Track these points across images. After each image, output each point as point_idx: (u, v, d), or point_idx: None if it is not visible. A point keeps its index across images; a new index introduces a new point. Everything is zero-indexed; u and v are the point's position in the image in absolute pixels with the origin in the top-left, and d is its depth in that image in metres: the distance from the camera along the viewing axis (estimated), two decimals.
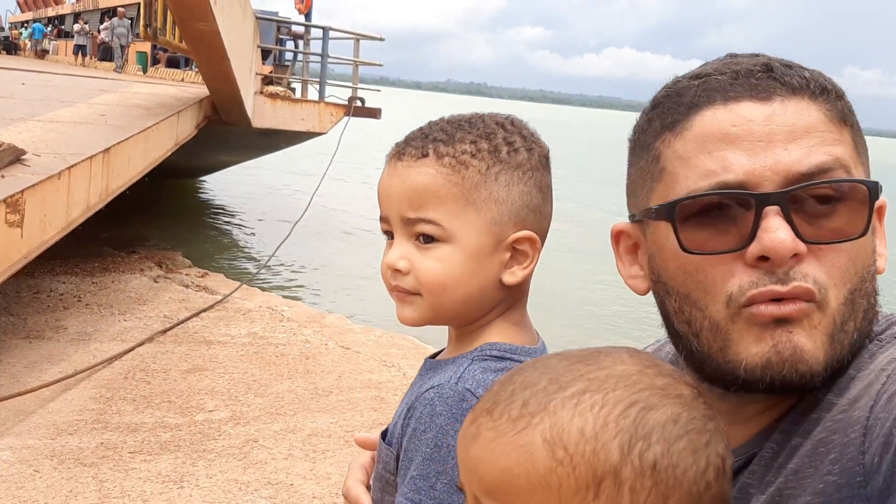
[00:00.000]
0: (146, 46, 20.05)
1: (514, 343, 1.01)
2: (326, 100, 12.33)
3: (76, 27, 29.01)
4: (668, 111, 0.81)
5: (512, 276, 0.99)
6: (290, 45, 15.09)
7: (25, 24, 38.24)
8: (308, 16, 16.45)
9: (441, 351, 1.10)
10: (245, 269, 9.20)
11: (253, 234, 11.77)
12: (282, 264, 9.36)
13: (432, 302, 1.00)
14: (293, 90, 12.92)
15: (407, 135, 1.05)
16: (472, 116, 1.05)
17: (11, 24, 42.38)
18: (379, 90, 14.53)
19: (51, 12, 37.43)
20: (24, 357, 4.68)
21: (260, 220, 12.74)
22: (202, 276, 7.73)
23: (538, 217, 1.02)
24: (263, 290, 7.76)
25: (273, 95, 11.52)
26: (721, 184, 0.74)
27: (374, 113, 12.70)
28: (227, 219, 12.82)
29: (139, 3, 20.89)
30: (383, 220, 1.03)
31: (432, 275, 0.98)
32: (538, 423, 0.59)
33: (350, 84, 12.97)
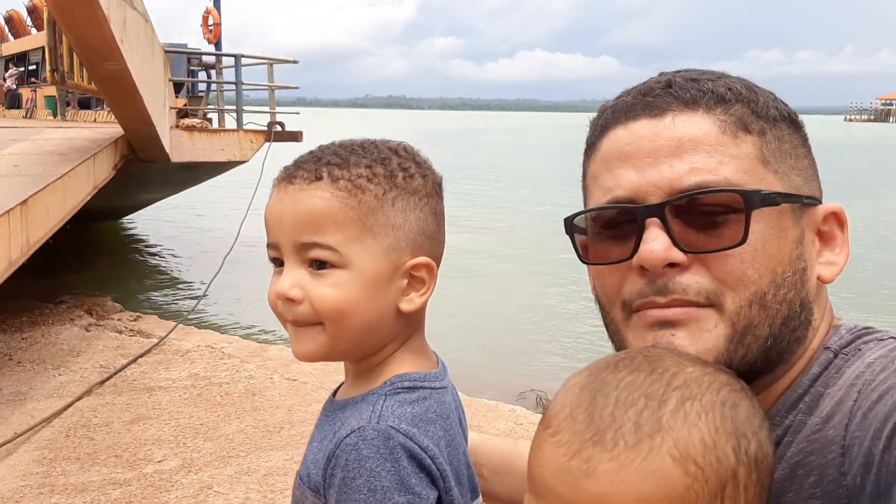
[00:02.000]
0: (54, 90, 19.45)
1: (420, 371, 0.98)
2: (245, 127, 12.18)
3: None
4: (590, 134, 0.86)
5: (409, 304, 0.97)
6: (202, 75, 14.85)
7: None
8: (218, 45, 16.26)
9: (339, 388, 1.06)
10: (179, 307, 8.99)
11: (183, 271, 11.52)
12: (216, 300, 9.19)
13: (333, 331, 0.95)
14: (210, 121, 12.71)
15: (297, 158, 1.02)
16: (365, 142, 1.03)
17: None
18: (298, 112, 14.41)
19: None
20: None
21: (189, 255, 12.48)
22: (135, 320, 7.54)
23: (433, 243, 1.01)
24: (200, 327, 7.61)
25: (190, 128, 11.32)
26: (613, 199, 0.79)
27: (295, 136, 12.60)
28: (155, 258, 12.52)
29: (42, 48, 20.30)
30: (271, 247, 0.99)
31: (329, 302, 0.94)
32: (661, 443, 0.60)
33: (267, 109, 12.85)
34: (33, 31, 24.89)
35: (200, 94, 14.88)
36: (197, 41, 16.54)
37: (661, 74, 0.84)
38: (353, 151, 1.00)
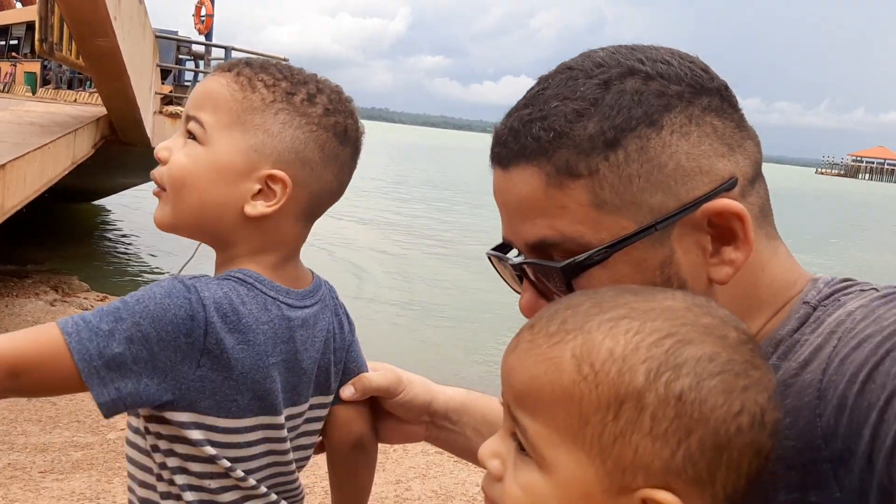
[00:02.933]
0: (35, 66, 19.27)
1: (267, 277, 1.02)
2: None
3: None
4: None
5: (253, 209, 1.00)
6: (190, 64, 14.81)
7: None
8: (209, 36, 16.24)
9: None
10: None
11: (155, 257, 11.42)
12: None
13: (173, 199, 1.01)
14: None
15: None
16: (307, 73, 1.08)
17: None
18: None
19: None
20: None
21: (162, 240, 12.37)
22: (101, 300, 7.47)
23: (306, 170, 1.02)
24: None
25: (173, 115, 11.27)
26: (503, 239, 0.84)
27: None
28: (126, 241, 12.40)
29: (26, 23, 20.10)
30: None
31: (177, 168, 1.00)
32: (571, 339, 0.60)
33: None
34: (18, 5, 24.62)
35: (187, 83, 14.80)
36: (188, 30, 16.51)
37: (538, 84, 0.80)
38: (285, 68, 1.06)
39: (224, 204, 1.01)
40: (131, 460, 1.03)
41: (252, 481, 1.01)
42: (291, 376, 1.04)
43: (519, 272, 0.79)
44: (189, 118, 1.02)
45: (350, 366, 1.15)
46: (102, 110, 9.57)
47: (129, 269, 10.60)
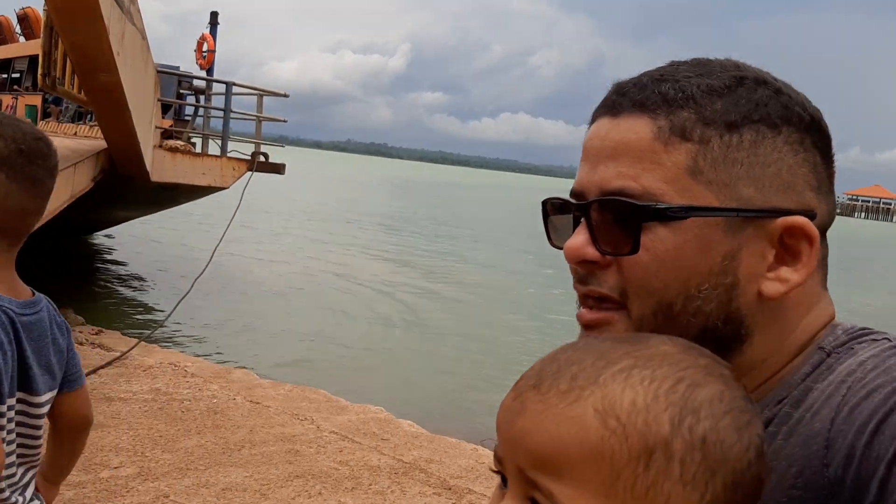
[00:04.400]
0: (37, 100, 19.38)
1: None
2: (229, 155, 12.21)
3: None
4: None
5: None
6: (191, 99, 14.90)
7: None
8: (210, 71, 16.33)
9: None
10: (143, 326, 8.87)
11: (151, 291, 11.40)
12: (182, 321, 9.08)
13: None
14: (193, 145, 12.72)
15: None
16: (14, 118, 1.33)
17: None
18: (283, 146, 14.49)
19: None
20: None
21: (159, 276, 12.36)
22: (96, 334, 7.42)
23: None
24: (164, 347, 7.51)
25: (173, 149, 11.30)
26: (571, 191, 0.83)
27: (278, 168, 12.65)
28: (123, 276, 12.38)
29: (28, 57, 20.26)
30: None
31: None
32: (589, 395, 0.59)
33: (252, 139, 12.90)
34: (21, 39, 24.81)
35: (187, 117, 14.88)
36: (189, 66, 16.62)
37: (669, 64, 0.83)
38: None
39: None
40: None
41: None
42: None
43: (582, 213, 0.79)
44: None
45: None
46: (102, 144, 9.59)
47: (126, 302, 10.55)
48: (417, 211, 37.70)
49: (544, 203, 0.88)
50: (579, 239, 0.78)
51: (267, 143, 13.18)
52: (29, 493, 1.40)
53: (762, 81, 0.77)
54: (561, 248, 0.83)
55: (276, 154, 13.19)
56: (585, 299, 0.80)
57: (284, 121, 14.49)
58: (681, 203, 0.74)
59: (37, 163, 1.31)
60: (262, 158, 12.32)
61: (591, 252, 0.77)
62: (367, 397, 6.10)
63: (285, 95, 13.56)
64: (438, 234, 25.43)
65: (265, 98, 13.07)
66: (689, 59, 0.81)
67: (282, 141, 17.77)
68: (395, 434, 5.06)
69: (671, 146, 0.75)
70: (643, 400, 0.59)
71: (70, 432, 1.53)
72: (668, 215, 0.74)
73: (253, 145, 12.71)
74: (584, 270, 0.79)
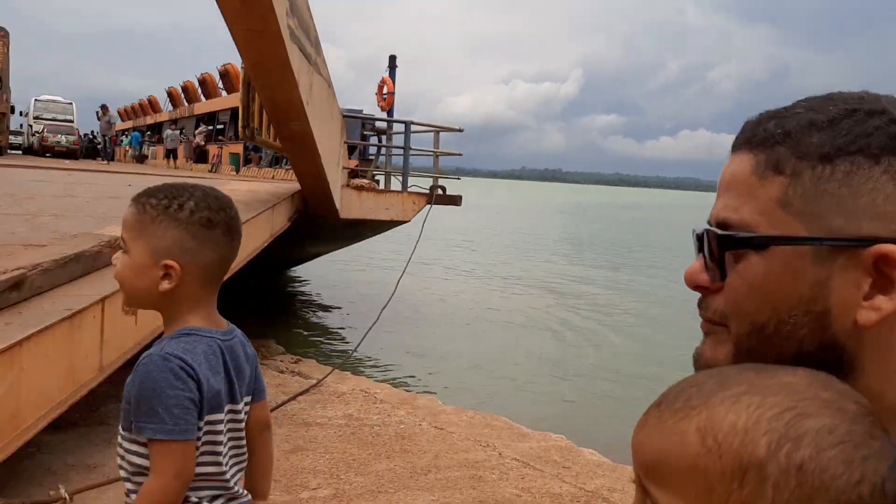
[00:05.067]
0: (239, 148, 21.17)
1: (201, 326, 1.57)
2: (409, 189, 12.75)
3: (166, 132, 30.86)
4: None
5: (163, 287, 1.53)
6: (374, 140, 15.71)
7: (125, 133, 40.88)
8: (390, 112, 17.17)
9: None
10: (336, 354, 9.41)
11: (342, 320, 12.05)
12: (371, 349, 9.54)
13: (122, 290, 1.59)
14: (377, 182, 13.40)
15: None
16: (185, 184, 1.60)
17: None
18: (459, 178, 14.91)
19: (149, 120, 39.94)
20: None
21: (348, 307, 13.05)
22: (295, 362, 7.95)
23: (189, 255, 1.53)
24: (355, 373, 7.92)
25: (359, 188, 11.96)
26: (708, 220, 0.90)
27: (455, 200, 13.03)
28: (316, 307, 13.18)
29: (230, 109, 22.17)
30: None
31: (116, 271, 1.58)
32: (696, 414, 0.64)
33: (431, 174, 13.39)
34: (223, 93, 27.17)
35: (371, 157, 15.71)
36: (371, 108, 17.56)
37: (797, 101, 0.87)
38: (163, 189, 1.58)
39: (147, 288, 1.55)
40: None
41: None
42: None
43: (698, 241, 0.86)
44: (120, 237, 1.57)
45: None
46: (297, 186, 10.34)
47: (320, 332, 11.22)
48: (594, 236, 37.24)
49: (694, 233, 0.94)
50: (695, 266, 0.85)
51: (444, 176, 13.63)
52: (239, 488, 1.65)
53: (878, 112, 0.78)
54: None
55: (453, 186, 13.60)
56: (704, 323, 0.87)
57: (460, 154, 14.91)
58: (769, 233, 0.79)
59: (234, 218, 1.63)
60: (439, 191, 12.75)
61: (702, 278, 0.84)
62: (547, 425, 6.13)
63: (460, 130, 13.98)
64: (616, 261, 24.98)
65: (442, 133, 13.54)
66: (822, 94, 0.84)
67: (458, 173, 18.26)
68: (576, 462, 5.06)
69: (766, 179, 0.79)
70: (743, 423, 0.62)
71: (261, 434, 1.78)
72: (755, 244, 0.79)
73: (431, 179, 13.19)
74: (701, 295, 0.86)
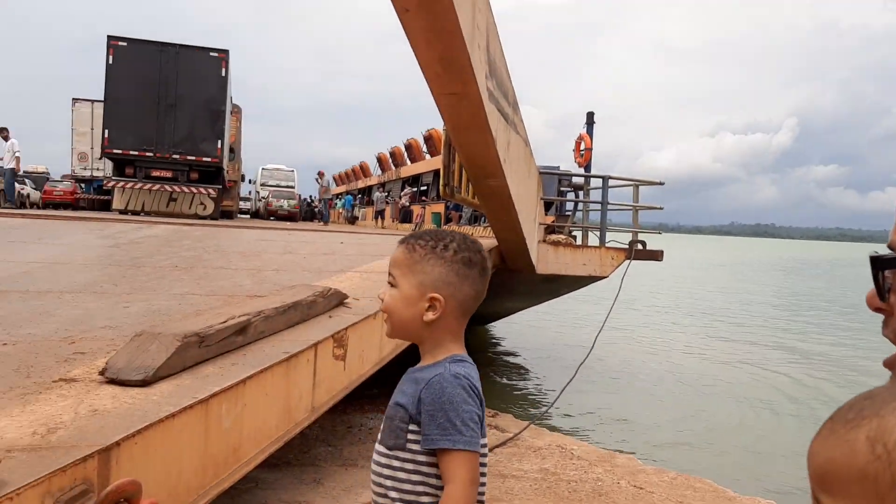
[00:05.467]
0: (440, 207, 22.03)
1: (462, 353, 1.69)
2: (607, 245, 12.62)
3: (375, 195, 32.71)
4: None
5: (426, 317, 1.68)
6: (570, 195, 15.77)
7: (339, 196, 43.87)
8: (587, 168, 17.18)
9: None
10: (532, 409, 9.39)
11: (539, 376, 12.02)
12: (568, 405, 9.43)
13: (390, 320, 1.73)
14: (574, 238, 13.39)
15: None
16: (442, 230, 1.79)
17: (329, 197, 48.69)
18: (660, 233, 14.56)
19: (360, 184, 42.61)
20: (341, 482, 5.16)
21: (545, 363, 13.02)
22: (493, 416, 8.04)
23: (452, 289, 1.69)
24: (551, 430, 7.87)
25: (556, 243, 12.02)
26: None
27: (655, 255, 12.72)
28: (514, 363, 13.27)
29: (433, 171, 23.19)
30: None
31: (385, 303, 1.74)
32: (866, 423, 0.64)
33: (629, 229, 13.19)
34: (427, 156, 28.50)
35: (567, 212, 15.78)
36: (569, 164, 17.70)
37: None
38: (433, 233, 1.76)
39: (413, 318, 1.70)
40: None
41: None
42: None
43: (879, 265, 0.90)
44: (388, 273, 1.74)
45: None
46: (494, 242, 10.59)
47: (515, 387, 11.26)
48: (812, 294, 34.67)
49: (873, 258, 0.98)
50: (871, 290, 0.89)
51: (644, 230, 13.37)
52: None
53: None
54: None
55: (653, 241, 13.30)
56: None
57: (661, 208, 14.58)
58: None
59: (486, 260, 1.81)
60: (639, 246, 12.51)
61: (878, 301, 0.88)
62: (756, 489, 5.74)
63: (661, 183, 13.70)
64: (835, 322, 23.07)
65: (641, 188, 13.34)
66: None
67: (660, 228, 17.84)
68: None
69: None
70: None
71: None
72: (885, 264, 0.86)
73: (630, 235, 12.99)
74: (884, 317, 0.90)
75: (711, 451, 7.97)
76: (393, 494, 1.65)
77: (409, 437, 1.64)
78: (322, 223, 26.83)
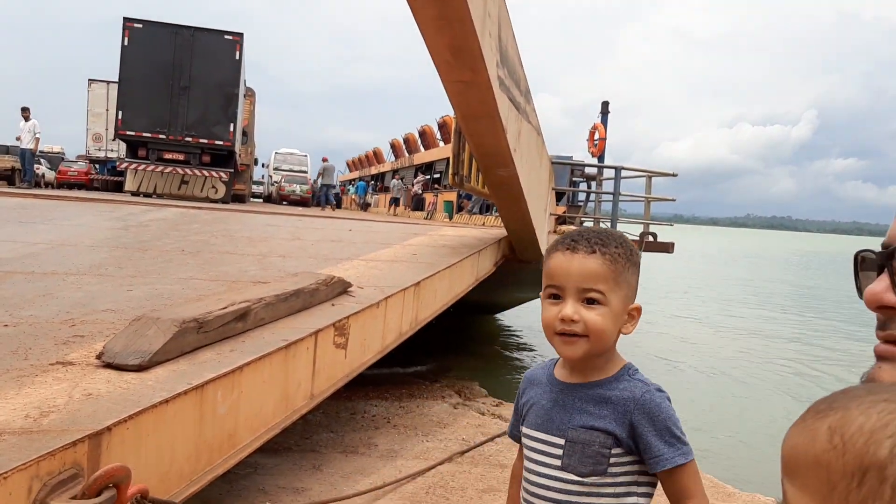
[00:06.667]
0: (452, 196, 21.98)
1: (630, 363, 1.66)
2: None
3: (392, 182, 32.70)
4: None
5: (625, 330, 1.64)
6: (583, 186, 15.70)
7: (352, 182, 43.88)
8: (601, 158, 17.08)
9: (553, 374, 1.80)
10: None
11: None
12: None
13: (594, 341, 1.58)
14: None
15: (572, 236, 1.64)
16: (603, 228, 1.70)
17: (341, 182, 48.83)
18: (672, 225, 14.47)
19: (373, 171, 42.61)
20: (340, 468, 5.18)
21: (551, 354, 12.99)
22: (497, 405, 8.03)
23: (635, 296, 1.64)
24: None
25: None
26: (884, 244, 0.89)
27: (666, 247, 12.66)
28: (521, 353, 13.26)
29: (446, 158, 23.15)
30: (556, 287, 1.60)
31: (598, 325, 1.57)
32: (832, 414, 0.67)
33: (642, 220, 13.12)
34: (441, 143, 28.44)
35: (580, 203, 15.72)
36: (582, 154, 17.62)
37: None
38: (609, 235, 1.65)
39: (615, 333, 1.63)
40: None
41: None
42: None
43: (884, 261, 0.87)
44: (585, 290, 1.59)
45: None
46: (504, 232, 10.55)
47: (521, 376, 11.26)
48: (829, 289, 34.44)
49: (858, 255, 0.94)
50: (880, 285, 0.85)
51: (655, 223, 13.30)
52: None
53: None
54: (860, 297, 0.90)
55: (666, 233, 13.23)
56: (883, 346, 0.86)
57: (673, 199, 14.50)
58: None
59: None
60: (650, 238, 12.44)
61: (890, 298, 0.83)
62: (759, 486, 5.72)
63: (674, 175, 13.61)
64: (851, 317, 22.92)
65: (655, 179, 13.26)
66: None
67: (675, 220, 17.78)
68: None
69: None
70: (871, 425, 0.63)
71: None
72: None
73: (642, 226, 12.92)
74: (884, 316, 0.85)
75: (721, 447, 7.94)
76: None
77: (612, 460, 1.58)
78: (320, 208, 26.86)
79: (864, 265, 0.91)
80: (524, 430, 1.72)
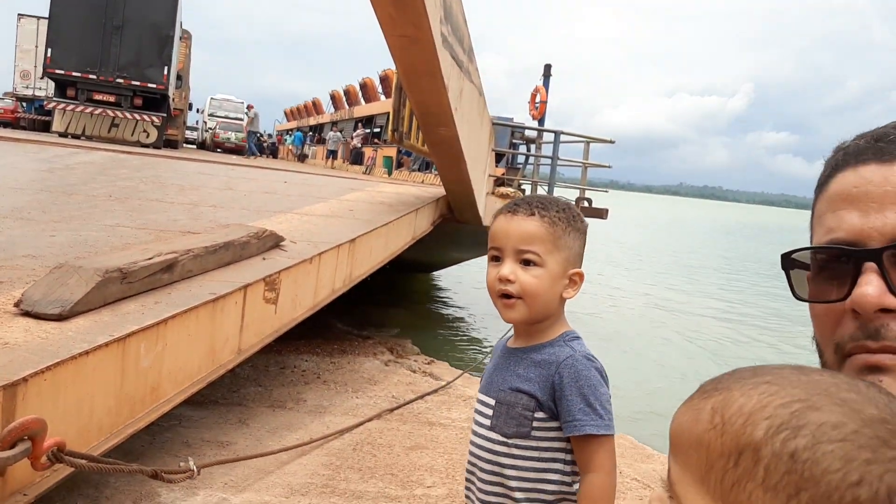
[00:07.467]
0: (392, 151, 21.80)
1: (571, 330, 1.67)
2: None
3: (330, 135, 32.17)
4: (822, 174, 0.89)
5: (566, 294, 1.66)
6: (522, 149, 15.74)
7: (289, 132, 43.07)
8: (542, 121, 17.13)
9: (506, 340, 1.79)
10: (469, 359, 9.49)
11: (478, 328, 12.14)
12: None
13: (529, 303, 1.60)
14: (523, 191, 13.40)
15: (516, 201, 1.68)
16: (550, 196, 1.76)
17: (278, 131, 47.90)
18: (606, 191, 14.67)
19: (312, 121, 41.86)
20: (267, 423, 5.15)
21: (487, 314, 13.13)
22: (428, 364, 8.09)
23: (580, 261, 1.68)
24: None
25: (504, 196, 12.00)
26: (833, 240, 0.80)
27: (600, 213, 12.83)
28: (456, 312, 13.36)
29: (387, 113, 22.89)
30: (496, 249, 1.64)
31: (531, 286, 1.59)
32: (717, 395, 0.67)
33: (578, 185, 13.25)
34: (382, 97, 28.06)
35: (518, 165, 15.76)
36: (523, 116, 17.63)
37: None
38: (553, 200, 1.69)
39: (555, 299, 1.65)
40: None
41: None
42: None
43: (874, 260, 0.77)
44: (521, 251, 1.61)
45: None
46: (443, 191, 10.53)
47: (455, 336, 11.36)
48: (756, 259, 35.55)
49: (790, 255, 0.88)
50: (875, 287, 0.76)
51: (591, 188, 13.45)
52: None
53: None
54: (815, 302, 0.83)
55: (601, 199, 13.40)
56: (882, 356, 0.77)
57: (609, 166, 14.67)
58: None
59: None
60: (585, 203, 12.59)
61: (891, 300, 0.75)
62: None
63: (611, 142, 13.75)
64: (777, 286, 23.76)
65: (593, 144, 13.37)
66: None
67: (611, 186, 17.97)
68: None
69: None
70: (751, 407, 0.64)
71: None
72: None
73: (578, 191, 13.05)
74: (876, 323, 0.76)
75: (642, 410, 8.17)
76: (513, 483, 1.59)
77: (535, 424, 1.58)
78: (245, 157, 26.36)
79: (828, 262, 0.84)
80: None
